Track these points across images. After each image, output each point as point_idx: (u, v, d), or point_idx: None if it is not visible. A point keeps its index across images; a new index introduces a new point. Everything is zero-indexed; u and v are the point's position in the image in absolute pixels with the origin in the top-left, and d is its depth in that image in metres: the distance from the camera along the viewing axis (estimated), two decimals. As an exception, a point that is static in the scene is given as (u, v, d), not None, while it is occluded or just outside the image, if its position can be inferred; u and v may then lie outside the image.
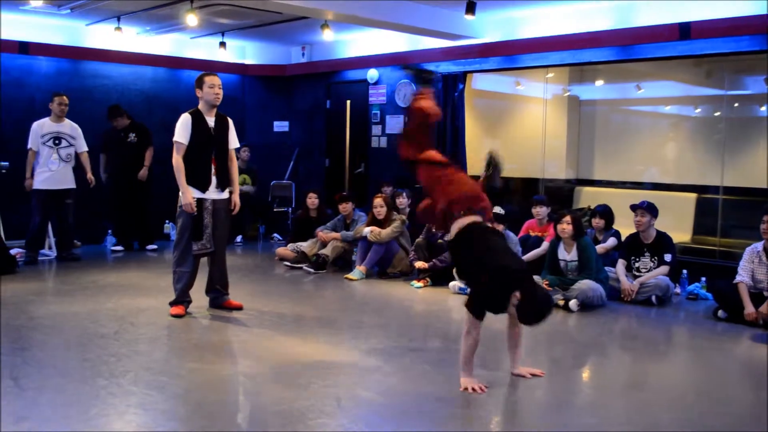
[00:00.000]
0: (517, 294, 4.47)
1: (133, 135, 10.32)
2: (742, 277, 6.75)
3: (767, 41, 7.60)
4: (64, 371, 4.93)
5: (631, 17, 8.54)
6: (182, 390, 4.65)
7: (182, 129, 6.46)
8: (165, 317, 6.48)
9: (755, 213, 6.87)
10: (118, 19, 10.12)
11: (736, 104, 9.79)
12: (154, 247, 10.41)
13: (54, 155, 9.20)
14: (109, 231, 10.66)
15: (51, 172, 9.16)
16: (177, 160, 6.44)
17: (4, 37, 10.05)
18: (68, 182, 9.36)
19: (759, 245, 6.76)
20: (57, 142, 9.22)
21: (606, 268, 7.70)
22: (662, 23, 8.24)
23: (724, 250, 8.88)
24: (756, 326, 6.50)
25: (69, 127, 9.37)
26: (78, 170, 9.46)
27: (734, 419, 4.40)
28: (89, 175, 9.48)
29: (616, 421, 4.29)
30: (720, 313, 6.97)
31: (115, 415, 4.16)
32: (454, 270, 8.03)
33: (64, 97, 9.29)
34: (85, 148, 9.50)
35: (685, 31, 8.06)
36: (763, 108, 9.77)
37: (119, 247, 10.46)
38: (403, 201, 9.72)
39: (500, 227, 7.81)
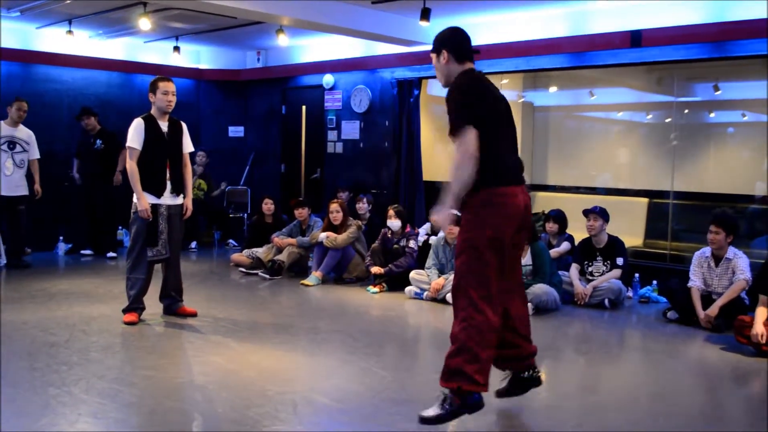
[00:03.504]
0: None
1: (100, 142, 10.19)
2: (694, 281, 6.88)
3: (715, 49, 7.77)
4: (13, 381, 4.82)
5: (584, 24, 8.66)
6: (136, 398, 4.59)
7: (135, 134, 6.39)
8: (118, 325, 6.39)
9: (705, 217, 7.01)
10: (70, 23, 9.99)
11: (686, 110, 9.97)
12: (114, 254, 10.25)
13: (8, 161, 9.03)
14: (61, 237, 10.49)
15: (6, 177, 8.99)
16: (131, 166, 6.37)
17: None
18: (21, 189, 9.21)
19: (707, 250, 6.90)
20: (11, 146, 9.07)
21: (559, 272, 7.80)
22: (614, 31, 8.38)
23: (674, 254, 9.05)
24: (707, 329, 6.64)
25: (25, 133, 9.24)
26: (29, 177, 9.31)
27: (685, 420, 4.47)
28: (36, 186, 9.34)
29: (569, 424, 4.33)
30: (670, 314, 7.10)
31: (66, 424, 4.09)
32: (410, 275, 8.08)
33: (24, 103, 9.16)
34: (37, 156, 9.37)
35: (636, 38, 8.20)
36: (713, 114, 9.97)
37: (88, 251, 10.32)
38: (363, 206, 9.74)
39: (456, 230, 7.84)
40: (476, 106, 3.97)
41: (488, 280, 3.92)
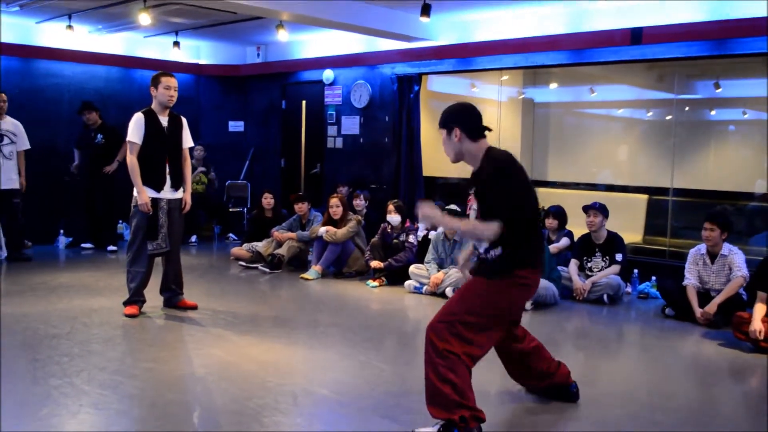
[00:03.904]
0: None
1: (101, 136, 10.18)
2: (689, 279, 6.90)
3: (713, 47, 7.78)
4: (15, 372, 4.85)
5: (585, 22, 8.67)
6: (137, 389, 4.61)
7: (135, 128, 6.41)
8: (119, 317, 6.41)
9: (704, 214, 7.02)
10: (70, 17, 9.98)
11: (686, 108, 9.98)
12: (114, 248, 10.27)
13: None
14: (61, 231, 10.51)
15: None
16: (131, 160, 6.39)
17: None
18: (13, 181, 9.20)
19: (702, 247, 6.92)
20: None
21: (559, 268, 7.82)
22: (615, 28, 8.38)
23: (673, 251, 9.07)
24: (704, 325, 6.66)
25: (11, 124, 9.20)
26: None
27: (683, 415, 4.50)
28: (22, 179, 9.30)
29: (568, 417, 4.36)
30: (668, 310, 7.13)
31: (68, 415, 4.11)
32: (410, 269, 8.10)
33: (2, 95, 9.11)
34: (27, 146, 9.31)
35: (636, 36, 8.21)
36: (713, 112, 9.99)
37: (89, 245, 10.33)
38: (360, 203, 9.76)
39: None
40: (525, 200, 3.96)
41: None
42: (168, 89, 6.47)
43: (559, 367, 4.51)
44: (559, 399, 4.54)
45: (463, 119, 4.07)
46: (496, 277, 4.00)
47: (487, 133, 4.09)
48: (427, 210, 4.02)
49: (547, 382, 4.51)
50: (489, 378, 4.78)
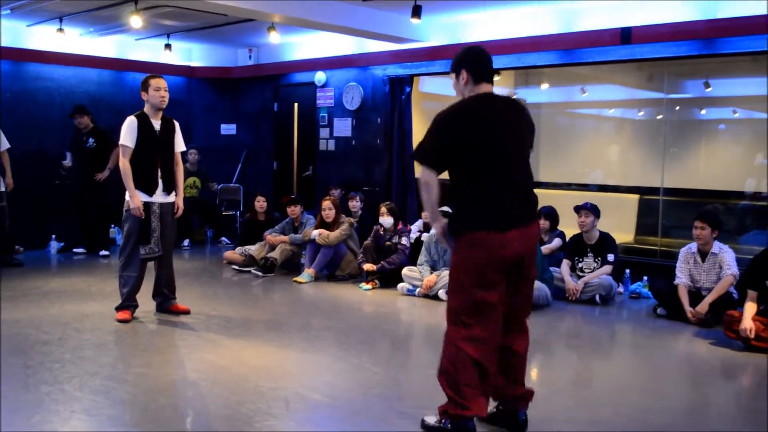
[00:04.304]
0: None
1: (92, 140, 10.13)
2: (680, 278, 6.93)
3: (703, 46, 7.81)
4: (6, 378, 4.83)
5: (574, 22, 8.69)
6: (129, 395, 4.61)
7: (128, 132, 6.39)
8: (111, 322, 6.40)
9: (694, 213, 7.06)
10: (61, 20, 9.97)
11: (677, 107, 10.02)
12: (107, 253, 10.24)
13: None
14: (53, 236, 10.48)
15: None
16: (124, 164, 6.37)
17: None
18: (11, 183, 9.15)
19: (693, 246, 6.95)
20: None
21: (551, 269, 7.84)
22: (604, 28, 8.40)
23: (665, 250, 9.10)
24: (695, 324, 6.69)
25: None
26: (13, 174, 9.23)
27: (675, 414, 4.52)
28: (8, 179, 9.21)
29: (560, 418, 4.36)
30: (659, 310, 7.16)
31: (60, 422, 4.11)
32: (402, 271, 8.10)
33: None
34: (7, 146, 9.21)
35: (626, 35, 8.23)
36: (703, 111, 10.02)
37: (81, 249, 10.31)
38: (355, 204, 9.77)
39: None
40: (446, 146, 3.84)
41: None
42: (158, 90, 6.45)
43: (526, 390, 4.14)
44: (506, 425, 4.12)
45: (469, 60, 3.99)
46: (453, 237, 3.93)
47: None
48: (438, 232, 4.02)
49: (507, 392, 4.08)
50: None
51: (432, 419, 4.00)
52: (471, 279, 3.82)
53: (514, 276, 3.90)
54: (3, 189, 9.19)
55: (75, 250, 10.36)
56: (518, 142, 3.94)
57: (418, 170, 3.88)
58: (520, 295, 3.99)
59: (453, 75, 4.04)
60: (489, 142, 3.80)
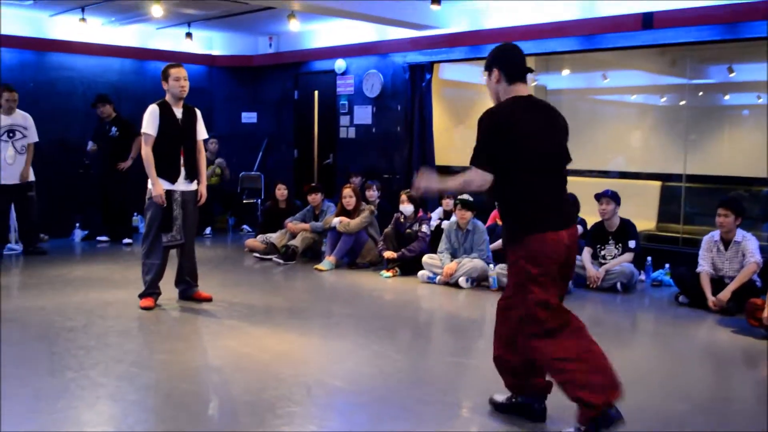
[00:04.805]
0: None
1: (115, 129, 10.21)
2: (703, 266, 6.89)
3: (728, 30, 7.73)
4: (32, 365, 4.90)
5: (595, 7, 8.62)
6: (152, 381, 4.66)
7: (150, 120, 6.43)
8: (134, 310, 6.46)
9: (717, 200, 7.00)
10: (83, 10, 10.03)
11: (700, 93, 9.92)
12: (130, 241, 10.33)
13: (9, 149, 9.05)
14: (77, 224, 10.58)
15: (9, 166, 9.03)
16: (146, 152, 6.41)
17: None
18: (28, 175, 9.24)
19: (716, 234, 6.90)
20: (11, 134, 9.09)
21: (572, 256, 7.80)
22: (625, 13, 8.33)
23: (687, 237, 9.03)
24: (717, 312, 6.65)
25: (21, 117, 9.20)
26: (37, 163, 9.34)
27: (696, 402, 4.51)
28: (26, 170, 9.18)
29: (581, 405, 4.36)
30: (681, 298, 7.13)
31: (85, 407, 4.16)
32: (423, 259, 8.11)
33: (14, 93, 9.07)
34: (35, 139, 9.30)
35: (648, 20, 8.16)
36: (727, 96, 9.92)
37: (104, 238, 10.41)
38: (373, 193, 9.78)
39: (468, 215, 7.88)
40: (500, 150, 3.78)
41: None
42: (178, 80, 6.48)
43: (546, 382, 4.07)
44: (524, 416, 4.08)
45: (502, 60, 4.00)
46: (509, 247, 3.90)
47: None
48: (424, 182, 4.03)
49: (527, 382, 4.05)
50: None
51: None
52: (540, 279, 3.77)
53: (560, 274, 3.89)
54: (33, 179, 9.28)
55: (98, 238, 10.46)
56: (560, 146, 4.06)
57: (469, 175, 3.82)
58: (560, 292, 3.96)
59: (486, 73, 4.04)
60: (539, 147, 3.85)
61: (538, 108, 4.00)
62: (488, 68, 4.03)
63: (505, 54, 4.04)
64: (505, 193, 3.89)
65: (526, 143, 3.81)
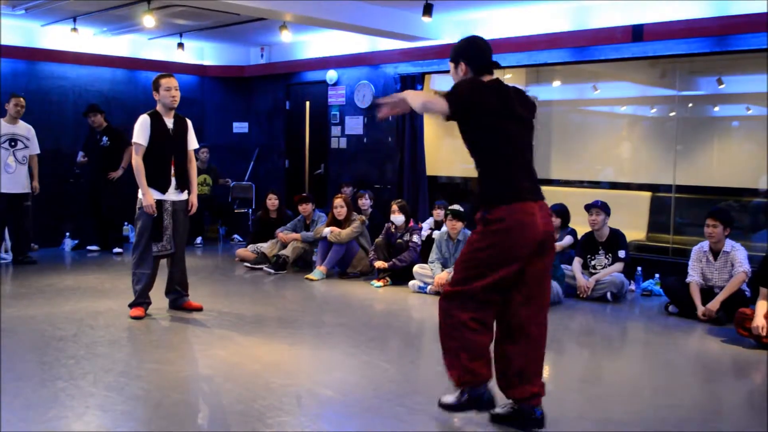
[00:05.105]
0: None
1: (106, 138, 10.22)
2: (693, 276, 6.92)
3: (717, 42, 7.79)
4: (22, 374, 4.88)
5: (586, 19, 8.68)
6: (142, 391, 4.65)
7: (141, 130, 6.44)
8: (124, 319, 6.45)
9: (706, 211, 7.04)
10: (75, 20, 10.04)
11: (689, 104, 9.98)
12: (120, 250, 10.32)
13: (10, 158, 9.08)
14: (67, 233, 10.56)
15: (9, 175, 9.04)
16: (137, 161, 6.42)
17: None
18: (26, 186, 9.25)
19: (705, 244, 6.94)
20: (13, 144, 9.12)
21: (562, 266, 7.84)
22: (616, 25, 8.40)
23: (677, 248, 9.08)
24: (707, 322, 6.68)
25: (24, 128, 9.27)
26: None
27: (686, 411, 4.52)
28: (35, 182, 9.36)
29: (571, 415, 4.37)
30: (671, 307, 7.16)
31: (74, 417, 4.15)
32: (414, 269, 8.13)
33: (21, 99, 9.18)
34: (37, 151, 9.38)
35: (638, 32, 8.23)
36: (716, 108, 9.97)
37: (95, 247, 10.38)
38: (365, 202, 9.79)
39: (459, 225, 7.90)
40: (472, 104, 3.80)
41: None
42: (169, 90, 6.50)
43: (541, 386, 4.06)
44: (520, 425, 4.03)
45: (469, 52, 3.99)
46: (481, 219, 3.91)
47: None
48: (386, 109, 3.93)
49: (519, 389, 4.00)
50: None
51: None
52: (492, 259, 3.81)
53: (535, 256, 3.88)
54: (29, 190, 9.29)
55: (89, 247, 10.44)
56: (528, 122, 4.03)
57: (436, 98, 3.84)
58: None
59: (452, 65, 4.04)
60: (509, 119, 3.87)
61: (508, 89, 4.00)
62: (454, 61, 4.02)
63: (471, 46, 4.03)
64: (484, 168, 3.95)
65: (503, 108, 3.85)
